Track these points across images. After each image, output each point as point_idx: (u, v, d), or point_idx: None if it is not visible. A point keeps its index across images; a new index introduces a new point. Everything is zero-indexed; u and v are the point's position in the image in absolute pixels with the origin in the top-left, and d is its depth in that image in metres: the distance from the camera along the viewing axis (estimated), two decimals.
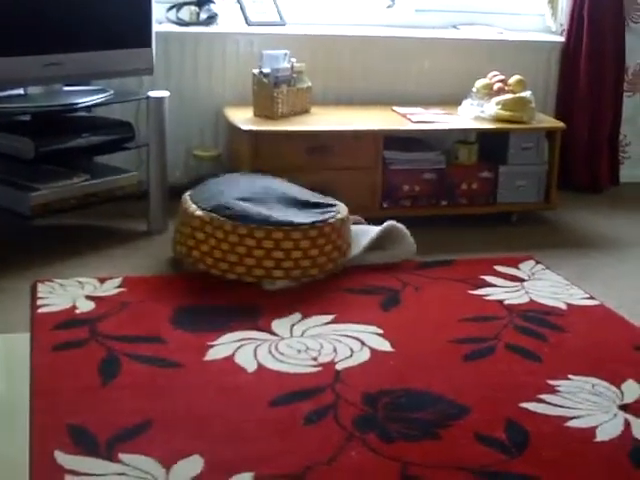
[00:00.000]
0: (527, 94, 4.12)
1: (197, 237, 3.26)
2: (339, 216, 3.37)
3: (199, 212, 3.28)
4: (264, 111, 3.93)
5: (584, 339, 3.00)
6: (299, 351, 2.80)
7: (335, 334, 2.93)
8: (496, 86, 4.16)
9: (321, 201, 3.47)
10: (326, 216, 3.34)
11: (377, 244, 3.51)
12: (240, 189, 3.41)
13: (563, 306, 3.24)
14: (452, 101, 4.24)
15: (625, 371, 2.76)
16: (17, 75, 3.41)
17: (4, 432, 2.31)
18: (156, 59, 3.79)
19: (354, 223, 3.59)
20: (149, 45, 3.71)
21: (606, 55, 4.59)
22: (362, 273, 3.41)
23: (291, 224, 3.22)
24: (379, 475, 2.20)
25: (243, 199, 3.31)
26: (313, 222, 3.27)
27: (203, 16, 4.19)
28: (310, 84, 4.09)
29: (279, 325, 2.97)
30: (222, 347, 2.79)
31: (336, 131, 3.88)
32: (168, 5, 4.18)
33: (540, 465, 2.26)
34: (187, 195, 3.44)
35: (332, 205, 3.45)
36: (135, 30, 3.67)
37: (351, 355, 2.79)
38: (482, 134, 4.15)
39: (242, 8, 4.23)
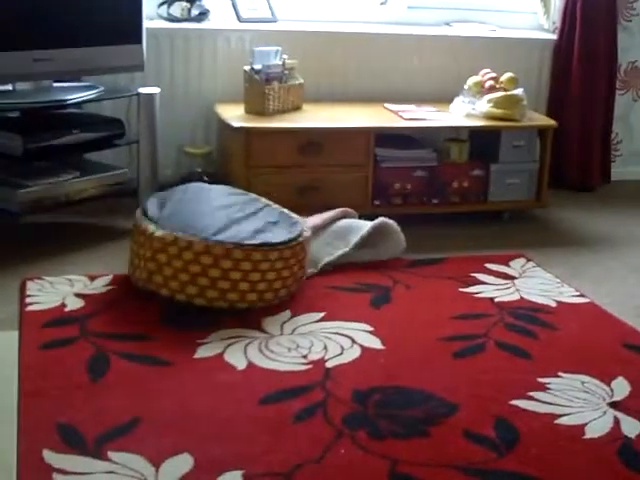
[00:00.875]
0: (519, 92, 4.12)
1: (159, 259, 2.98)
2: (305, 234, 3.20)
3: (160, 232, 2.99)
4: (255, 108, 3.92)
5: (574, 337, 3.00)
6: (289, 349, 2.79)
7: (325, 332, 2.92)
8: (488, 84, 4.16)
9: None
10: (297, 232, 3.17)
11: (367, 241, 3.50)
12: (203, 212, 3.17)
13: (553, 304, 3.24)
14: (444, 98, 4.24)
15: (615, 368, 2.77)
16: (5, 70, 3.39)
17: None
18: (147, 55, 3.78)
19: (345, 216, 3.59)
20: (140, 41, 3.70)
21: (598, 53, 4.60)
22: (353, 271, 3.41)
23: (269, 244, 3.02)
24: (369, 473, 2.19)
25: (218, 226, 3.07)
26: (289, 240, 3.09)
27: (194, 12, 4.18)
28: (302, 81, 4.08)
29: (269, 323, 2.96)
30: (212, 345, 2.78)
31: (328, 128, 3.87)
32: (159, 1, 4.17)
33: (529, 462, 2.26)
34: (140, 214, 3.16)
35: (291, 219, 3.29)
36: (126, 26, 3.66)
37: (341, 353, 2.79)
38: (474, 132, 4.15)
39: (234, 4, 4.23)
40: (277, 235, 3.10)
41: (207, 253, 2.92)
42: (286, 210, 3.36)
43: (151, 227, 3.03)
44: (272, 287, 3.03)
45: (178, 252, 2.94)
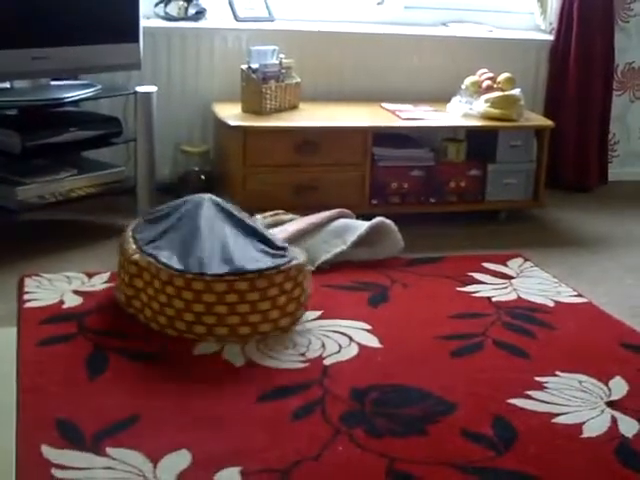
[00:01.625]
0: (516, 92, 4.12)
1: (136, 285, 2.86)
2: (294, 262, 2.90)
3: (136, 256, 2.86)
4: (252, 107, 3.92)
5: (572, 336, 3.00)
6: (287, 347, 2.79)
7: (323, 330, 2.92)
8: (485, 84, 4.17)
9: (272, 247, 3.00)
10: (279, 261, 2.88)
11: (365, 240, 3.50)
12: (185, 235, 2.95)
13: (551, 303, 3.24)
14: (441, 98, 4.25)
15: (612, 368, 2.77)
16: (3, 68, 3.38)
17: None
18: (144, 54, 3.78)
19: (342, 216, 3.59)
20: (137, 40, 3.70)
21: (595, 54, 4.60)
22: (350, 269, 3.41)
23: (236, 273, 2.77)
24: (366, 470, 2.19)
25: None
26: (265, 268, 2.81)
27: (191, 11, 4.18)
28: (299, 80, 4.08)
29: None
30: (211, 342, 2.78)
31: (325, 127, 3.87)
32: (156, 0, 4.16)
33: (527, 461, 2.26)
34: (130, 231, 3.04)
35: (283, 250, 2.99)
36: (122, 25, 3.66)
37: (339, 351, 2.79)
38: (471, 132, 4.15)
39: (231, 3, 4.22)
40: (251, 263, 2.82)
41: (170, 283, 2.75)
42: (279, 239, 3.10)
43: (132, 248, 2.90)
44: (247, 320, 2.78)
45: (150, 279, 2.80)
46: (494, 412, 2.48)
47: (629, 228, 4.22)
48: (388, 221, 3.55)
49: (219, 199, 3.13)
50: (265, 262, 2.85)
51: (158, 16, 4.17)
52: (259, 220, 3.41)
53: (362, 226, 3.51)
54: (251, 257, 2.86)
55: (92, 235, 3.66)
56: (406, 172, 3.99)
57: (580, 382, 2.68)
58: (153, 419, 2.34)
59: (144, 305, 2.84)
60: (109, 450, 2.18)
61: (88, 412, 2.34)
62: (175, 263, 2.79)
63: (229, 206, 3.11)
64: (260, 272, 2.78)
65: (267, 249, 2.94)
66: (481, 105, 4.07)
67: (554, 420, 2.46)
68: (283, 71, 4.01)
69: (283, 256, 2.91)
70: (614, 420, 2.47)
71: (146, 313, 2.83)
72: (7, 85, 3.57)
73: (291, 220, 3.51)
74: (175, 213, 3.06)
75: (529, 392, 2.59)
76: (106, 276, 3.22)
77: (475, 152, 4.13)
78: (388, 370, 2.69)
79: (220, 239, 2.91)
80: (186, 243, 2.89)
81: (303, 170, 3.82)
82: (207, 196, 3.12)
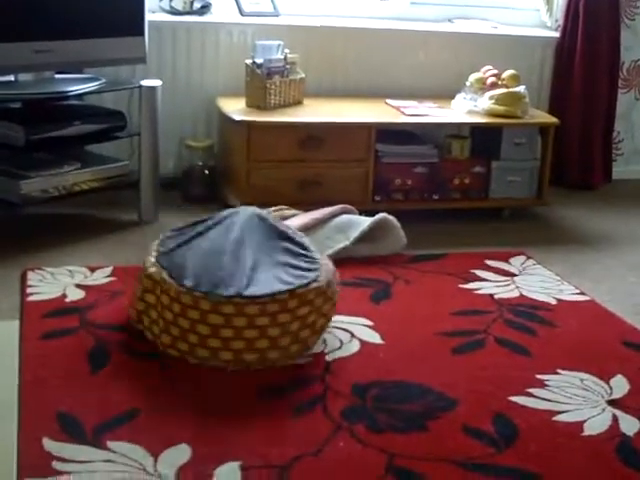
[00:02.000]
0: (521, 89, 4.12)
1: (147, 300, 2.70)
2: (315, 284, 2.67)
3: (152, 269, 2.69)
4: (256, 102, 3.92)
5: (574, 334, 3.00)
6: None
7: None
8: (490, 80, 4.16)
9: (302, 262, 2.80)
10: (299, 282, 2.65)
11: (368, 236, 3.50)
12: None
13: (553, 301, 3.24)
14: (446, 95, 4.25)
15: (614, 366, 2.77)
16: (6, 61, 3.38)
17: None
18: (149, 48, 3.78)
19: (345, 212, 3.59)
20: (142, 34, 3.70)
21: (601, 51, 4.59)
22: (353, 265, 3.41)
23: (244, 297, 2.55)
24: (367, 466, 2.19)
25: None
26: (275, 292, 2.59)
27: (197, 5, 4.18)
28: (303, 75, 4.08)
29: None
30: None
31: (329, 123, 3.87)
32: None
33: (527, 458, 2.26)
34: (155, 244, 2.85)
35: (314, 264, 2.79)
36: (128, 18, 3.65)
37: (341, 347, 2.79)
38: (475, 128, 4.15)
39: None
40: (263, 286, 2.61)
41: (176, 301, 2.58)
42: (312, 250, 2.87)
43: (150, 261, 2.73)
44: (254, 347, 2.56)
45: (160, 294, 2.64)
46: (495, 409, 2.48)
47: (633, 226, 4.22)
48: (391, 217, 3.55)
49: (264, 213, 2.98)
50: (280, 284, 2.63)
51: (163, 10, 4.17)
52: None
53: (365, 222, 3.51)
54: (269, 280, 2.65)
55: (95, 229, 3.66)
56: (410, 169, 3.99)
57: (581, 380, 2.68)
58: (153, 413, 2.34)
59: (152, 322, 2.68)
60: (110, 444, 2.19)
61: (89, 406, 2.35)
62: (185, 279, 2.61)
63: (272, 221, 2.94)
64: (272, 296, 2.57)
65: (293, 271, 2.72)
66: (485, 102, 4.07)
67: (555, 418, 2.46)
68: (288, 66, 4.01)
69: (303, 277, 2.69)
70: (615, 418, 2.47)
71: (154, 330, 2.67)
72: (11, 78, 3.56)
73: (294, 215, 3.51)
74: (210, 225, 2.88)
75: (530, 390, 2.59)
76: (108, 270, 3.22)
77: (479, 149, 4.13)
78: (389, 366, 2.69)
79: (244, 258, 2.71)
80: (207, 258, 2.70)
81: (307, 165, 3.82)
82: (250, 209, 2.96)
